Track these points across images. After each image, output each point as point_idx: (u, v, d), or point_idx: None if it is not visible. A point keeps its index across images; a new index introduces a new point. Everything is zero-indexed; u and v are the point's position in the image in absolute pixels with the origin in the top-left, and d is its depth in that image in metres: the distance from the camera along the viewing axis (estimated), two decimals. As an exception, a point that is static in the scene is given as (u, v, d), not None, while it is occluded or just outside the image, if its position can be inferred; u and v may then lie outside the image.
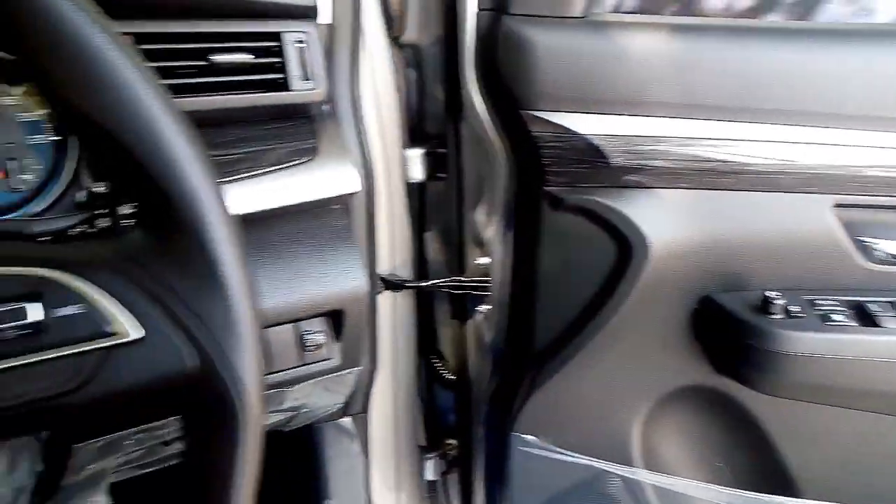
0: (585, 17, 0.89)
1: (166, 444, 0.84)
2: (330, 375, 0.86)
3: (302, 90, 0.80)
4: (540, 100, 0.88)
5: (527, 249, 1.00)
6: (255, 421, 0.38)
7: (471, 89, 0.96)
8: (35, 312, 0.35)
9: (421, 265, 1.24)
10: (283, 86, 0.80)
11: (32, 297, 0.35)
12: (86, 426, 0.52)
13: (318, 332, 0.78)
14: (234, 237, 0.38)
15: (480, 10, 0.91)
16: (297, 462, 1.21)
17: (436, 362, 1.33)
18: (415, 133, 1.12)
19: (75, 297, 0.36)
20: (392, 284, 1.08)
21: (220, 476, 0.37)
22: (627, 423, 1.07)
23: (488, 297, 1.11)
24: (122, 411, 0.39)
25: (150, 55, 0.73)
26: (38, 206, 0.72)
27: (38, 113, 0.74)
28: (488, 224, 1.08)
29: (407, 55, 1.06)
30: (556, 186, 0.93)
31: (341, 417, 1.13)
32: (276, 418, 0.97)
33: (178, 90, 0.74)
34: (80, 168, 0.74)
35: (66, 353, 0.35)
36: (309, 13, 0.81)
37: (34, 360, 0.34)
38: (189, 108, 0.74)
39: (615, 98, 0.88)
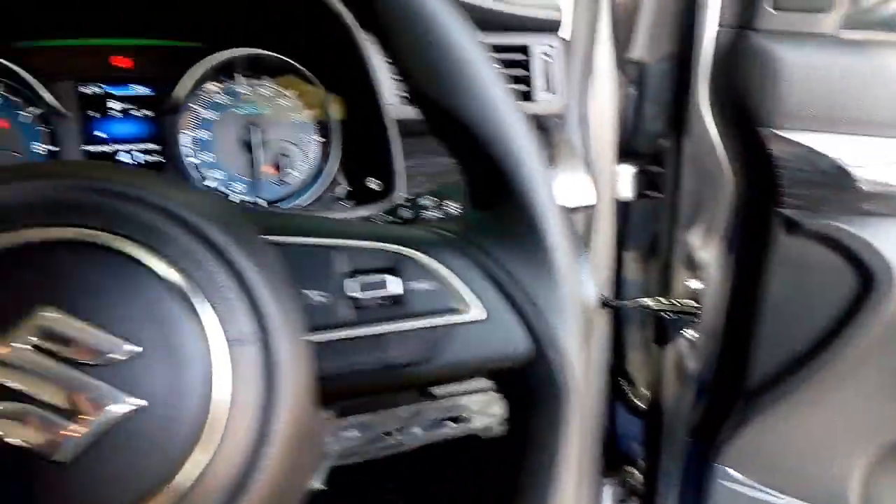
0: (838, 35, 0.85)
1: (387, 434, 0.87)
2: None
3: (544, 102, 0.82)
4: (784, 118, 0.85)
5: (750, 274, 0.96)
6: (580, 406, 0.39)
7: (701, 106, 0.94)
8: (395, 286, 0.38)
9: (618, 284, 1.22)
10: (527, 97, 0.82)
11: (392, 271, 0.38)
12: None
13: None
14: (565, 226, 0.39)
15: (721, 26, 0.89)
16: (475, 474, 1.22)
17: (624, 385, 1.30)
18: (625, 150, 1.11)
19: (428, 275, 0.38)
20: (601, 302, 1.07)
21: (546, 456, 0.38)
22: (848, 469, 0.99)
23: (697, 322, 1.07)
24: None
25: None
26: (304, 201, 0.79)
27: (308, 115, 0.81)
28: (704, 246, 1.05)
29: (629, 72, 1.06)
30: (791, 209, 0.89)
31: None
32: (477, 424, 0.99)
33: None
34: (339, 167, 0.80)
35: (420, 325, 0.38)
36: (554, 27, 0.83)
37: (395, 329, 0.37)
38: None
39: (869, 119, 0.83)
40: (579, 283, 0.40)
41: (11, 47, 0.70)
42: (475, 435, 1.09)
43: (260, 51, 0.77)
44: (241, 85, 0.79)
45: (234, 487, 0.32)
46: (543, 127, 0.87)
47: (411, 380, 0.38)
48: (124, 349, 0.31)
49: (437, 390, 0.76)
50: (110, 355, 0.31)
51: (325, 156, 0.80)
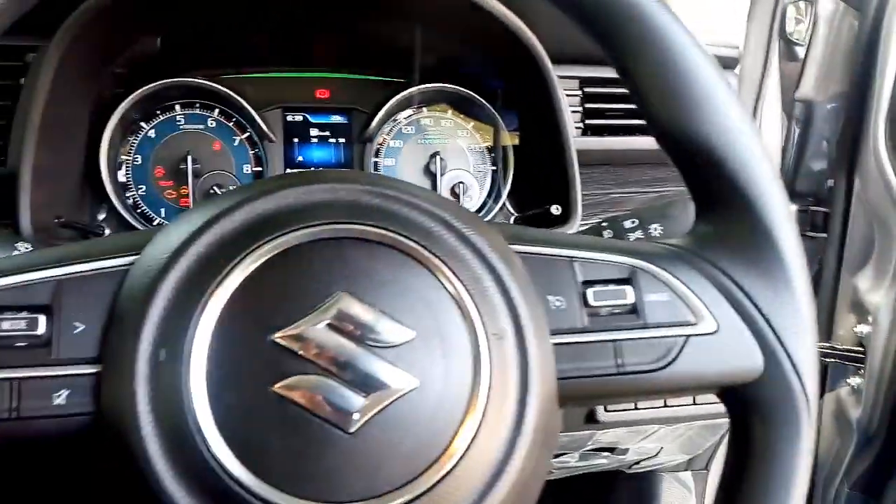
0: None
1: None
2: (710, 421, 0.85)
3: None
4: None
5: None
6: (814, 423, 0.39)
7: (878, 146, 0.91)
8: (630, 296, 0.40)
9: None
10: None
11: (627, 282, 0.40)
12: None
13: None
14: (799, 240, 0.40)
15: (902, 65, 0.87)
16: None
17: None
18: (788, 190, 1.09)
19: (662, 286, 0.40)
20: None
21: (780, 472, 0.38)
22: None
23: (862, 368, 1.02)
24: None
25: (588, 97, 0.80)
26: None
27: (484, 145, 0.85)
28: (873, 289, 1.00)
29: (796, 111, 1.05)
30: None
31: (683, 471, 1.10)
32: (631, 458, 0.98)
33: (608, 130, 0.81)
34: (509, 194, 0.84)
35: (654, 335, 0.39)
36: (732, 65, 0.84)
37: (629, 336, 0.39)
38: (618, 148, 0.81)
39: None
40: (813, 299, 0.41)
41: (226, 77, 0.79)
42: (620, 470, 1.08)
43: (446, 85, 0.82)
44: (426, 117, 0.84)
45: (497, 464, 0.35)
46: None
47: (644, 388, 0.40)
48: (403, 334, 0.35)
49: (605, 416, 0.77)
50: (391, 338, 0.34)
51: (496, 183, 0.84)
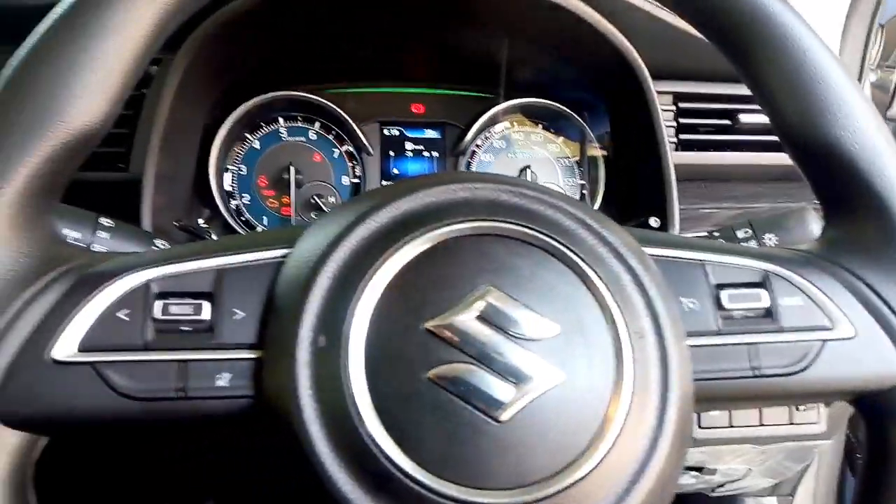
0: None
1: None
2: (806, 442, 0.83)
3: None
4: None
5: None
6: None
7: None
8: (764, 299, 0.40)
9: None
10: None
11: (761, 286, 0.40)
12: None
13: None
14: None
15: None
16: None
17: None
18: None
19: (796, 291, 0.40)
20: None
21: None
22: None
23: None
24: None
25: (684, 112, 0.81)
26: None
27: (574, 159, 0.86)
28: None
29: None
30: None
31: (767, 496, 1.07)
32: (717, 479, 0.96)
33: (700, 145, 0.81)
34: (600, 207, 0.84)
35: (789, 338, 0.39)
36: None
37: (764, 340, 0.39)
38: (710, 163, 0.81)
39: None
40: None
41: (327, 91, 0.82)
42: (703, 493, 1.06)
43: (537, 100, 0.84)
44: (517, 131, 0.86)
45: (640, 461, 0.35)
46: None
47: (779, 392, 0.40)
48: (548, 328, 0.35)
49: (700, 433, 0.76)
50: (538, 332, 0.35)
51: (586, 196, 0.85)
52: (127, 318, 0.35)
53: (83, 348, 0.34)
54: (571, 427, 0.34)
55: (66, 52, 0.36)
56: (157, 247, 0.52)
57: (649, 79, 0.72)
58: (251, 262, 0.38)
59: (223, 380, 0.35)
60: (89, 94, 0.36)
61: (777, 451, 0.88)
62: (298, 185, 0.80)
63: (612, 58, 0.72)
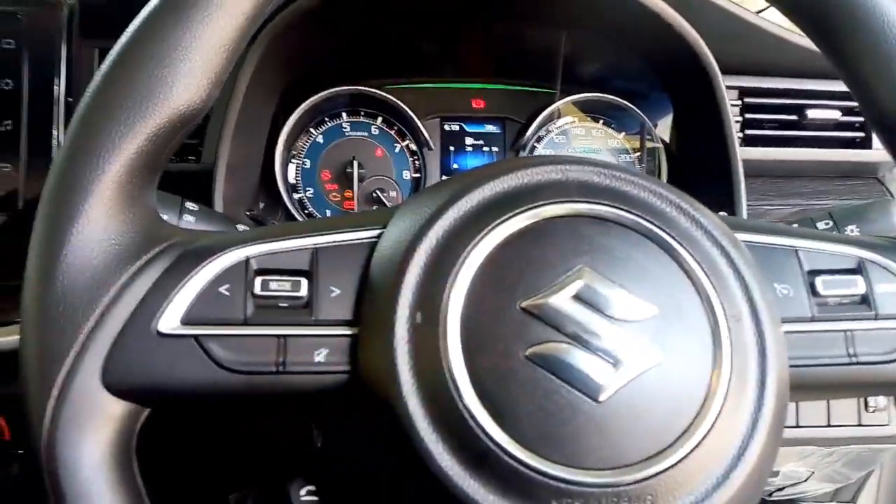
0: None
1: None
2: (873, 445, 0.81)
3: (881, 150, 0.80)
4: None
5: None
6: None
7: None
8: (860, 286, 0.39)
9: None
10: (862, 144, 0.81)
11: (856, 273, 0.40)
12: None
13: (883, 393, 0.74)
14: None
15: None
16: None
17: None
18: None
19: (892, 278, 0.40)
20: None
21: None
22: None
23: None
24: None
25: (750, 107, 0.79)
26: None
27: (635, 155, 0.86)
28: None
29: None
30: None
31: (828, 502, 1.05)
32: (778, 481, 0.94)
33: (765, 141, 0.79)
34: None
35: (888, 326, 0.39)
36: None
37: (862, 327, 0.39)
38: (777, 158, 0.79)
39: None
40: None
41: (388, 87, 0.82)
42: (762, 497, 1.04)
43: (599, 94, 0.83)
44: (578, 126, 0.86)
45: (739, 446, 0.34)
46: (875, 175, 0.84)
47: (876, 380, 0.39)
48: (646, 310, 0.35)
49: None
50: (635, 314, 0.35)
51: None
52: (228, 294, 0.36)
53: (186, 321, 0.35)
54: (669, 409, 0.34)
55: (172, 34, 0.37)
56: (238, 229, 0.53)
57: (719, 73, 0.71)
58: (346, 241, 0.38)
59: (321, 355, 0.36)
60: (193, 75, 0.37)
61: (842, 454, 0.86)
62: (360, 179, 0.81)
63: (681, 51, 0.71)
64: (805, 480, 0.94)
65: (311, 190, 0.82)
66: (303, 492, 0.45)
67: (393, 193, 0.83)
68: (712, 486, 0.34)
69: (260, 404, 0.38)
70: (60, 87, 0.61)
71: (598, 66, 0.84)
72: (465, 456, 0.33)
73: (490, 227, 0.36)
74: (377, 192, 0.82)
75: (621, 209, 0.37)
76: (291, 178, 0.81)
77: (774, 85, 0.80)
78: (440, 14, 0.74)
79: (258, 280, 0.36)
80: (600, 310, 0.35)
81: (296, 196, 0.81)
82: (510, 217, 0.36)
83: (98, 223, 0.35)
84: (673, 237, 0.37)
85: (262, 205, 0.79)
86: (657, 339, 0.35)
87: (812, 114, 0.79)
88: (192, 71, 0.37)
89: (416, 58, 0.83)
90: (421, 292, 0.35)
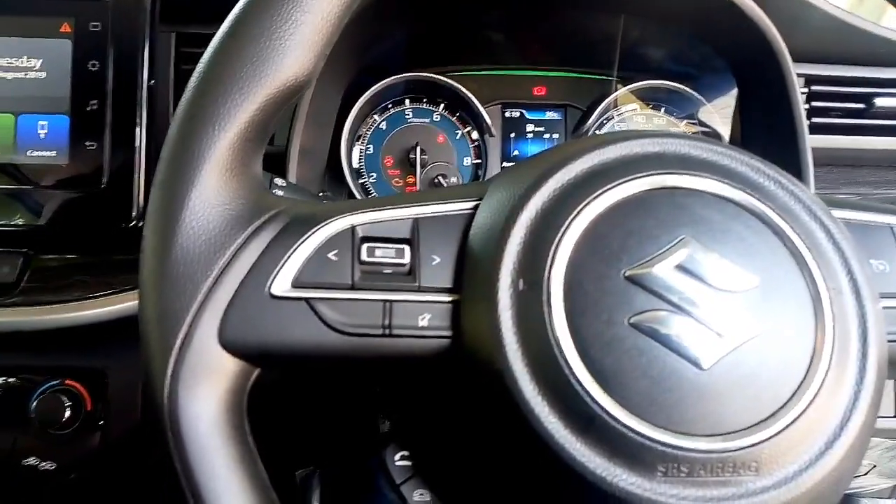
0: None
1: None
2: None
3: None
4: None
5: None
6: None
7: None
8: None
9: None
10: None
11: None
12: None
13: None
14: None
15: None
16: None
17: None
18: None
19: None
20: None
21: None
22: None
23: None
24: None
25: (814, 95, 0.79)
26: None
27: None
28: None
29: None
30: None
31: (887, 497, 1.03)
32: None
33: (832, 129, 0.79)
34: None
35: None
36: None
37: None
38: (843, 147, 0.78)
39: None
40: None
41: (451, 74, 0.83)
42: None
43: (662, 81, 0.83)
44: (639, 113, 0.86)
45: (840, 419, 0.34)
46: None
47: None
48: (748, 280, 0.35)
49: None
50: (738, 284, 0.35)
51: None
52: (336, 259, 0.37)
53: (296, 285, 0.36)
54: (773, 378, 0.34)
55: (281, 7, 0.38)
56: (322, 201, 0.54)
57: (790, 60, 0.71)
58: (444, 212, 0.39)
59: (424, 320, 0.36)
60: (301, 48, 0.38)
61: (904, 449, 0.85)
62: (422, 165, 0.82)
63: (752, 37, 0.70)
64: (865, 474, 0.93)
65: (374, 175, 0.83)
66: (397, 457, 0.46)
67: (454, 179, 0.83)
68: (816, 455, 0.34)
69: (364, 367, 0.39)
70: (144, 70, 0.63)
71: (661, 52, 0.83)
72: (572, 420, 0.33)
73: (591, 198, 0.37)
74: (439, 177, 0.83)
75: (720, 181, 0.38)
76: (355, 163, 0.82)
77: (841, 73, 0.79)
78: (509, 1, 0.74)
79: (364, 247, 0.37)
80: (703, 279, 0.35)
81: (360, 181, 0.82)
82: (611, 187, 0.37)
83: (214, 189, 0.36)
84: (772, 209, 0.37)
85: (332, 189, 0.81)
86: (759, 308, 0.35)
87: (880, 102, 0.78)
88: (300, 43, 0.38)
89: (481, 45, 0.84)
90: (523, 260, 0.36)
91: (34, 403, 0.62)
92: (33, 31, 0.63)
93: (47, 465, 0.62)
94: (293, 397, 0.58)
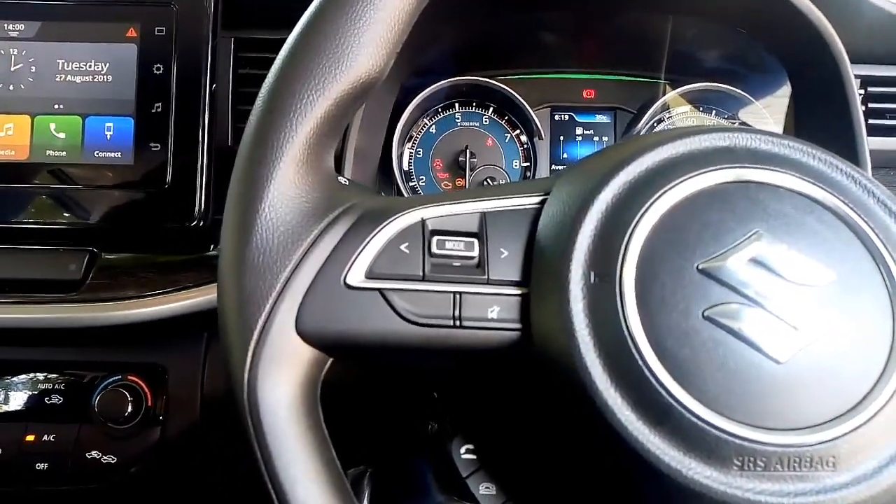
0: None
1: None
2: None
3: None
4: None
5: None
6: None
7: None
8: None
9: None
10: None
11: None
12: None
13: None
14: None
15: None
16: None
17: None
18: None
19: None
20: None
21: None
22: None
23: None
24: None
25: (871, 97, 0.78)
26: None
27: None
28: None
29: None
30: None
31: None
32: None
33: (892, 131, 0.77)
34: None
35: None
36: None
37: None
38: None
39: None
40: None
41: (501, 77, 0.83)
42: None
43: (713, 84, 0.83)
44: (691, 116, 0.85)
45: None
46: None
47: None
48: (825, 275, 0.35)
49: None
50: (814, 278, 0.35)
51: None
52: (407, 251, 0.37)
53: (369, 276, 0.37)
54: (850, 373, 0.34)
55: (355, 6, 0.39)
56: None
57: (848, 62, 0.70)
58: (511, 206, 0.39)
59: (494, 312, 0.37)
60: (374, 45, 0.39)
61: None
62: (472, 168, 0.82)
63: (810, 38, 0.70)
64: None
65: (424, 178, 0.84)
66: (462, 450, 0.47)
67: (503, 182, 0.84)
68: (894, 453, 0.33)
69: (433, 357, 0.39)
70: (207, 73, 0.64)
71: (710, 53, 0.83)
72: (646, 412, 0.33)
73: (662, 191, 0.37)
74: (488, 180, 0.83)
75: (793, 175, 0.37)
76: (406, 166, 0.83)
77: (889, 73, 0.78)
78: (565, 4, 0.75)
79: (434, 239, 0.38)
80: (778, 273, 0.35)
81: (410, 184, 0.83)
82: (682, 181, 0.37)
83: (291, 182, 0.37)
84: (846, 204, 0.37)
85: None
86: (835, 303, 0.35)
87: (939, 103, 0.76)
88: (373, 41, 0.39)
89: (532, 47, 0.84)
90: (594, 253, 0.36)
91: (97, 398, 0.63)
92: (100, 36, 0.65)
93: (109, 459, 0.64)
94: (350, 396, 0.59)
